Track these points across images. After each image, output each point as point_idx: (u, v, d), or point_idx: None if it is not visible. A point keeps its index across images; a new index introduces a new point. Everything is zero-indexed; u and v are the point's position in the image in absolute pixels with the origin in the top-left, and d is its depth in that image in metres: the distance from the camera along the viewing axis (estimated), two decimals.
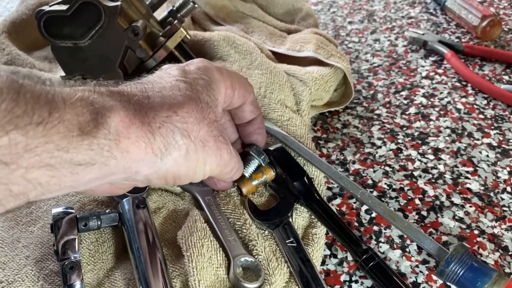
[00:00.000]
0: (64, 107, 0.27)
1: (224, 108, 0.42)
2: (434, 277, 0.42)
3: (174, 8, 0.53)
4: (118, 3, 0.47)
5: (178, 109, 0.33)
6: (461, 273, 0.37)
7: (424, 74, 0.68)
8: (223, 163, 0.38)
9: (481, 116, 0.59)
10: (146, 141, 0.31)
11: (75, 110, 0.27)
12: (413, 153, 0.54)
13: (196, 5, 0.53)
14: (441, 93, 0.63)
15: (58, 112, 0.26)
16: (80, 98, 0.28)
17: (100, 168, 0.29)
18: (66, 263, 0.38)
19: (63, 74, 0.52)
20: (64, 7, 0.47)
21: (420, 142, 0.56)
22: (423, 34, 0.74)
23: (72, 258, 0.38)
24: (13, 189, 0.25)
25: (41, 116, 0.25)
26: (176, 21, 0.51)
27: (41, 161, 0.26)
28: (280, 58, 0.65)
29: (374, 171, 0.53)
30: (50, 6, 0.48)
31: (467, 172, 0.51)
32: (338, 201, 0.50)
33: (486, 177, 0.51)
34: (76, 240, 0.39)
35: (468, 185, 0.50)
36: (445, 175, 0.51)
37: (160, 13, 0.57)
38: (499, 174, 0.51)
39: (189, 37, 0.52)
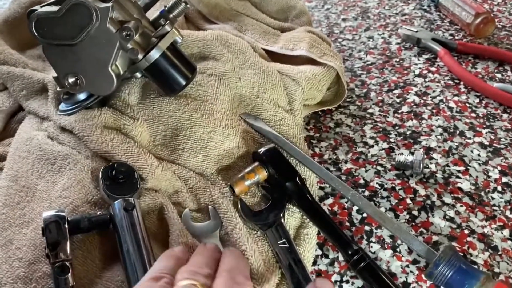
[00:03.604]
0: None
1: None
2: (424, 277, 0.42)
3: (166, 9, 0.52)
4: (110, 4, 0.47)
5: None
6: (449, 275, 0.37)
7: (417, 72, 0.68)
8: None
9: (473, 114, 0.59)
10: None
11: None
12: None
13: (188, 6, 0.53)
14: (433, 91, 0.64)
15: None
16: None
17: None
18: (57, 265, 0.38)
19: (55, 74, 0.51)
20: (55, 8, 0.47)
21: (412, 141, 0.56)
22: (416, 31, 0.73)
23: (64, 260, 0.38)
24: None
25: None
26: (168, 21, 0.51)
27: None
28: (273, 56, 0.64)
29: (366, 171, 0.53)
30: (41, 6, 0.48)
31: (458, 171, 0.52)
32: (330, 200, 0.50)
33: (477, 176, 0.51)
34: (68, 243, 0.39)
35: (459, 185, 0.50)
36: (436, 175, 0.52)
37: (153, 12, 0.56)
38: (490, 174, 0.51)
39: (181, 38, 0.51)
